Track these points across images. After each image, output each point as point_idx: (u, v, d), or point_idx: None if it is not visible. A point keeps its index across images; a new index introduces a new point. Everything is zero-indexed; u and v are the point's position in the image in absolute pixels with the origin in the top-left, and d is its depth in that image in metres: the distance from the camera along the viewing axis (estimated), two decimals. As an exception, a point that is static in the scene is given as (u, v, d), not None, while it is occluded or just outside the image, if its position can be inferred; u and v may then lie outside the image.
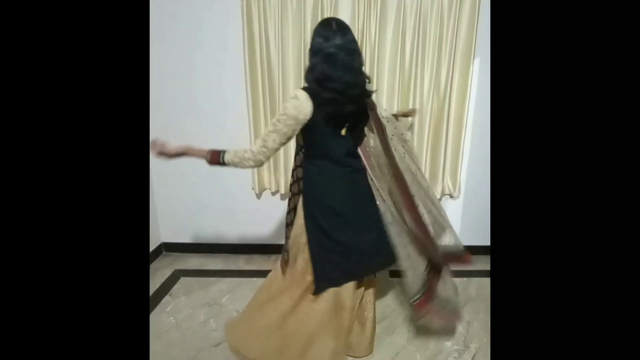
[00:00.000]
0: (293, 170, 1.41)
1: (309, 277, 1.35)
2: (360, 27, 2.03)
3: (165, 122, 2.28)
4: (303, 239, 1.37)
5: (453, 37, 2.05)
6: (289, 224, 1.44)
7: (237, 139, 2.28)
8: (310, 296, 1.35)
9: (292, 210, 1.42)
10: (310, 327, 1.33)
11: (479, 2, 2.01)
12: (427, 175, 2.33)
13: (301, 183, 1.35)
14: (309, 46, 1.27)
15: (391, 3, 2.03)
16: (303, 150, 1.34)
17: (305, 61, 2.08)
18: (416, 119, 2.18)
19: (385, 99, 2.15)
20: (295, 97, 1.21)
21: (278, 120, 1.22)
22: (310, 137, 1.30)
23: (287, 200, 1.49)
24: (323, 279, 1.34)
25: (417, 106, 2.16)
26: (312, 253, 1.35)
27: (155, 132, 2.28)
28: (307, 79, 1.27)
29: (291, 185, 1.43)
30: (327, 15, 2.00)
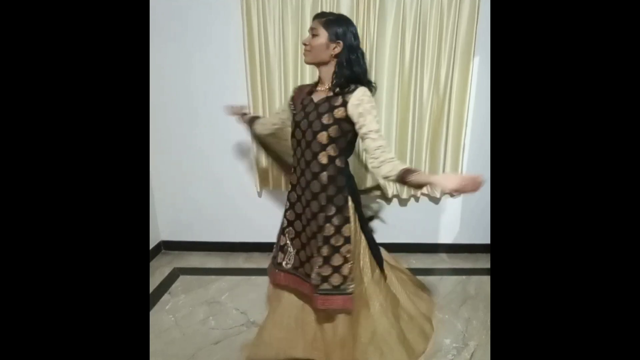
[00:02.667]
0: (317, 174, 1.26)
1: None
2: (360, 25, 2.03)
3: (165, 121, 2.28)
4: (359, 242, 1.37)
5: (453, 36, 2.05)
6: (338, 232, 1.27)
7: (236, 138, 2.28)
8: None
9: (334, 216, 1.27)
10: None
11: (479, 0, 2.00)
12: (426, 174, 2.33)
13: (331, 188, 1.25)
14: (341, 42, 1.19)
15: (390, 1, 2.02)
16: (333, 152, 1.24)
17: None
18: (416, 117, 2.18)
19: (385, 98, 2.15)
20: (368, 95, 1.19)
21: (377, 122, 1.18)
22: (349, 136, 1.25)
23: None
24: (381, 260, 1.48)
25: (417, 104, 2.16)
26: (370, 246, 1.41)
27: (155, 131, 2.32)
28: (353, 74, 1.21)
29: (319, 194, 1.27)
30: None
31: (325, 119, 1.20)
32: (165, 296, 2.04)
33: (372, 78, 2.08)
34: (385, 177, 1.18)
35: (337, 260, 1.27)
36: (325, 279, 1.27)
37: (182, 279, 2.23)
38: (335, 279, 1.27)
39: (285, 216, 1.41)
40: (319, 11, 2.00)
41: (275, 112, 1.56)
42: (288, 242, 1.41)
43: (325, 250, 1.26)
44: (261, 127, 1.57)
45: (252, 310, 1.88)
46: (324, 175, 1.24)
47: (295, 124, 1.28)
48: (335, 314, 1.34)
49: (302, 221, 1.34)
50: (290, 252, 1.40)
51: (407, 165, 1.14)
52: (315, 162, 1.24)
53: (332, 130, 1.20)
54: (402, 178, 1.13)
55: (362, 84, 1.22)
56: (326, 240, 1.26)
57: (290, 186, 1.38)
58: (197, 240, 2.56)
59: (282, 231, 1.43)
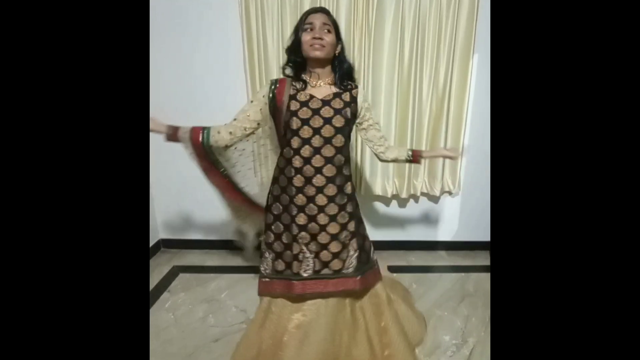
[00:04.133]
0: (341, 167, 1.29)
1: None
2: (359, 23, 2.03)
3: (164, 121, 2.27)
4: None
5: (452, 34, 2.05)
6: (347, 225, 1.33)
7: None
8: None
9: (354, 202, 1.37)
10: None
11: (478, -1, 2.01)
12: (426, 173, 2.34)
13: (350, 178, 1.35)
14: (342, 42, 1.30)
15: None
16: (349, 142, 1.34)
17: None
18: (415, 115, 2.18)
19: (384, 96, 2.15)
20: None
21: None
22: (349, 135, 1.35)
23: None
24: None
25: (416, 103, 2.16)
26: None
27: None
28: (349, 71, 1.33)
29: (344, 187, 1.31)
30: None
31: (348, 114, 1.27)
32: (165, 294, 2.04)
33: (370, 77, 2.10)
34: (393, 160, 1.42)
35: (359, 240, 1.39)
36: (358, 261, 1.36)
37: (181, 277, 2.23)
38: (364, 257, 1.39)
39: (291, 222, 1.30)
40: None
41: (244, 115, 1.31)
42: (303, 247, 1.30)
43: (357, 235, 1.37)
44: (227, 137, 1.32)
45: (252, 308, 1.88)
46: (348, 168, 1.33)
47: (301, 122, 1.23)
48: (369, 289, 1.44)
49: (318, 222, 1.28)
50: (308, 258, 1.31)
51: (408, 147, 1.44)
52: (340, 156, 1.28)
53: (352, 124, 1.33)
54: (416, 156, 1.39)
55: (352, 80, 1.35)
56: (357, 225, 1.37)
57: (293, 189, 1.27)
58: (196, 238, 2.56)
59: (294, 239, 1.31)
